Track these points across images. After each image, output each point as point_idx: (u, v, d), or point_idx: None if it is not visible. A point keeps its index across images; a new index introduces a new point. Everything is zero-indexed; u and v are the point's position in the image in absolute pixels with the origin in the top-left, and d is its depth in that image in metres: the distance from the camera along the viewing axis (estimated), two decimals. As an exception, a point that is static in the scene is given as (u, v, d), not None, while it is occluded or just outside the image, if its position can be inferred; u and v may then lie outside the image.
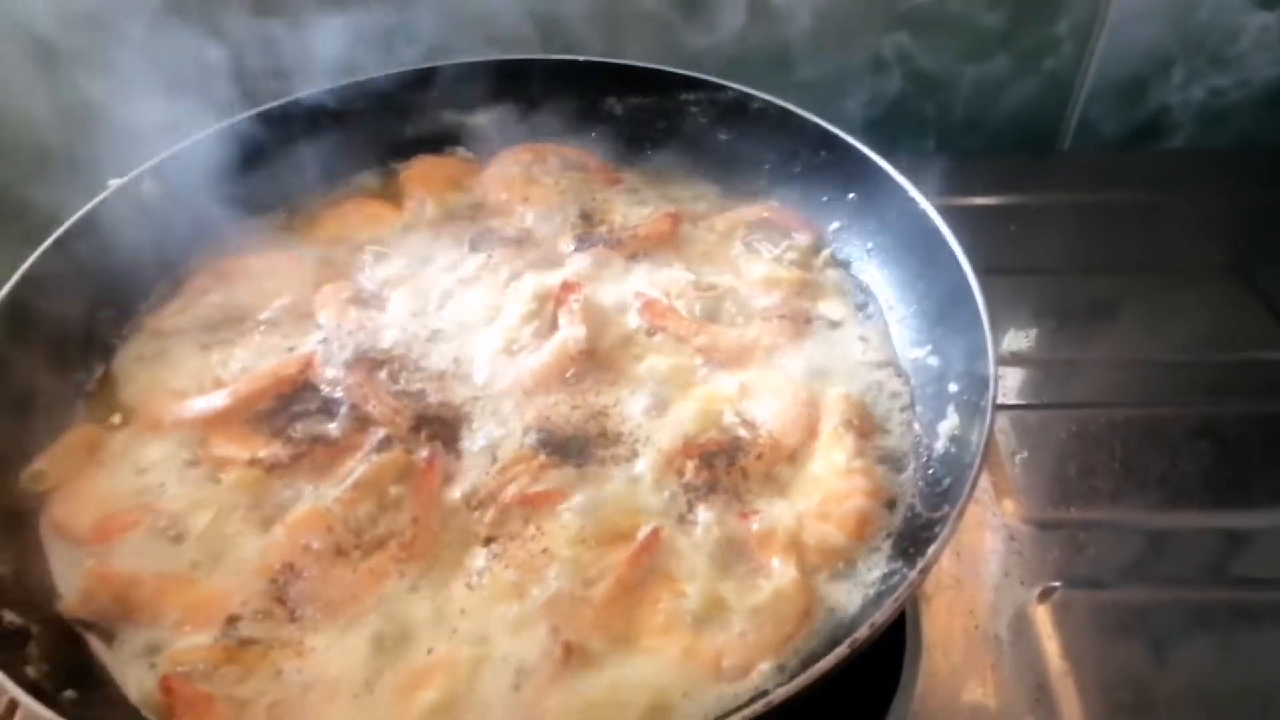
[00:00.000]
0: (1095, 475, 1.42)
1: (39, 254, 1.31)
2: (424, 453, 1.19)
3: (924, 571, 0.94)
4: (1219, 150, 2.04)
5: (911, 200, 1.33)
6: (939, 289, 1.29)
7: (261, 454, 1.20)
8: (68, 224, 1.35)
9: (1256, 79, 1.98)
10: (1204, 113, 2.04)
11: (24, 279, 1.28)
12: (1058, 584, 1.29)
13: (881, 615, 0.90)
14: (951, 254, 1.25)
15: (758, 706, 0.86)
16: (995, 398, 1.08)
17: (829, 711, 1.09)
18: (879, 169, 1.37)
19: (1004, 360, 1.57)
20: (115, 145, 1.57)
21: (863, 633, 0.90)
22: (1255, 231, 1.79)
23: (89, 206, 1.38)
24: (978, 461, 1.03)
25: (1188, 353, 1.61)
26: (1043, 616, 1.26)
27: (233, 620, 1.08)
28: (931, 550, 0.96)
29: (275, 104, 1.55)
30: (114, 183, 1.41)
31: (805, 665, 1.02)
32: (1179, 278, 1.76)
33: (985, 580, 1.29)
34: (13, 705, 1.25)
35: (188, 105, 1.86)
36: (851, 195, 1.46)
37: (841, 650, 0.88)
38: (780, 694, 0.86)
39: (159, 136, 1.49)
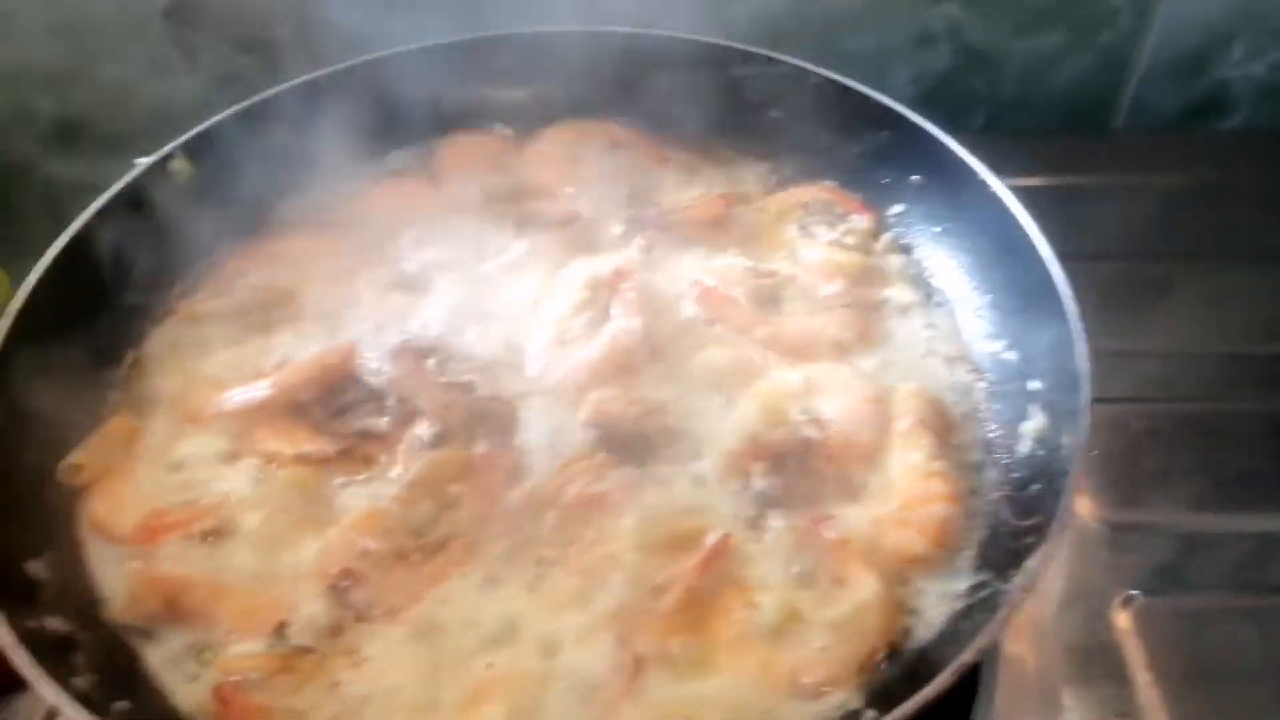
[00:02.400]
0: (1170, 474, 1.36)
1: (66, 238, 1.24)
2: (481, 449, 1.12)
3: (1027, 588, 0.89)
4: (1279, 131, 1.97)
5: (985, 184, 1.27)
6: (1017, 279, 1.23)
7: (308, 449, 1.15)
8: (94, 206, 1.28)
9: (1322, 55, 1.91)
10: (1264, 90, 1.96)
11: (52, 262, 1.22)
12: (1138, 590, 1.23)
13: (984, 638, 0.85)
14: (1030, 243, 1.18)
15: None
16: (1090, 398, 1.02)
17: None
18: (949, 151, 1.31)
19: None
20: (143, 122, 1.51)
21: (968, 656, 0.84)
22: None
23: (116, 186, 1.31)
24: (1073, 468, 0.97)
25: (1253, 344, 1.55)
26: (1124, 625, 1.21)
27: (285, 626, 1.03)
28: (1034, 561, 0.91)
29: (305, 78, 1.48)
30: (141, 161, 1.34)
31: (890, 683, 0.98)
32: (1237, 263, 1.69)
33: (1061, 588, 1.24)
34: (52, 715, 1.21)
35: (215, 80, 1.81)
36: (916, 177, 1.39)
37: (945, 678, 0.83)
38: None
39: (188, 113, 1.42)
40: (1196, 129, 2.01)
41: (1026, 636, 1.21)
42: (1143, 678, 1.17)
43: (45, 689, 0.88)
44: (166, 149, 1.35)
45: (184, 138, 1.37)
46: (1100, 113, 2.04)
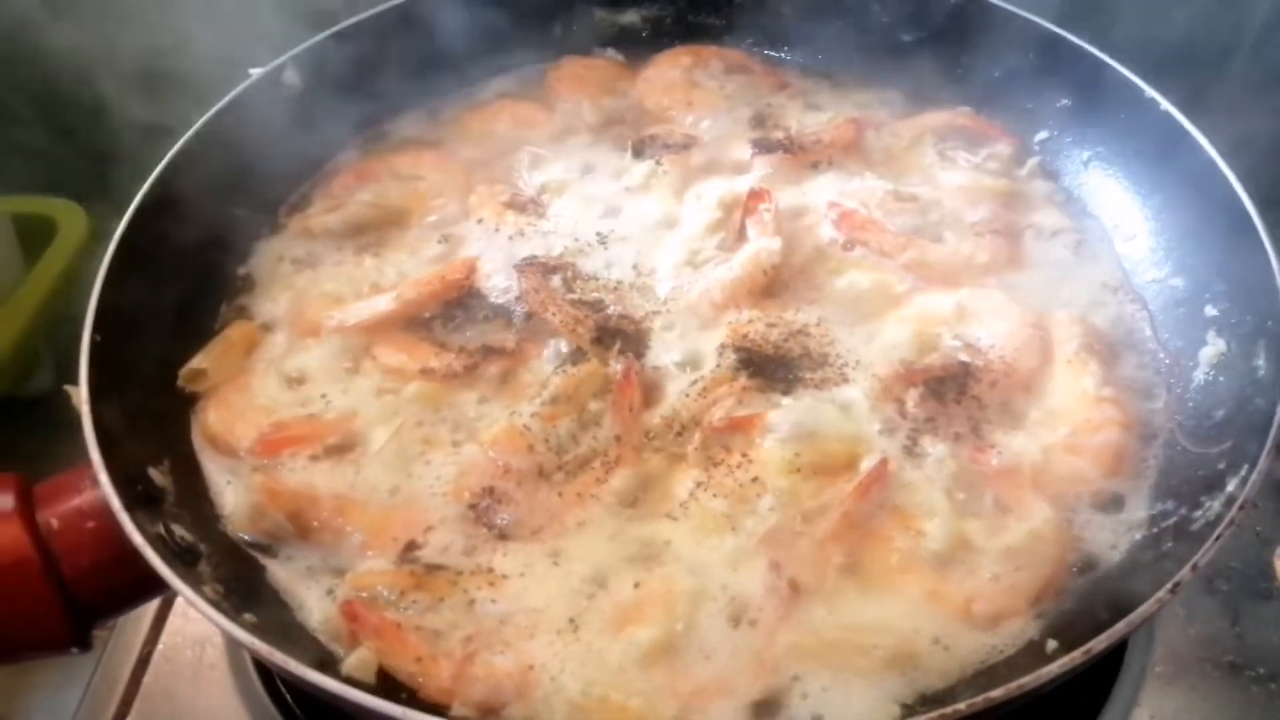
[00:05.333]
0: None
1: (178, 147, 1.20)
2: (618, 366, 1.06)
3: (1242, 507, 0.81)
4: None
5: (1145, 99, 1.19)
6: (1184, 201, 1.16)
7: (433, 364, 1.09)
8: (206, 115, 1.24)
9: None
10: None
11: (164, 172, 1.17)
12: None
13: (1204, 555, 0.78)
14: (1205, 158, 1.11)
15: (1069, 661, 0.74)
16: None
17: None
18: (1110, 72, 1.23)
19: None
20: (256, 35, 1.45)
21: (1185, 574, 0.77)
22: None
23: (229, 96, 1.26)
24: (1283, 386, 0.89)
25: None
26: (1287, 571, 1.13)
27: (417, 545, 0.98)
28: (1249, 483, 0.83)
29: (418, -3, 1.42)
30: (255, 72, 1.29)
31: (1068, 614, 0.91)
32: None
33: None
34: (160, 619, 1.18)
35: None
36: (1065, 101, 1.31)
37: (1162, 595, 0.76)
38: (1100, 642, 0.74)
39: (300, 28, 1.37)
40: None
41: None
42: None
43: (184, 593, 0.83)
44: (280, 60, 1.30)
45: (297, 49, 1.32)
46: (1216, 63, 1.93)
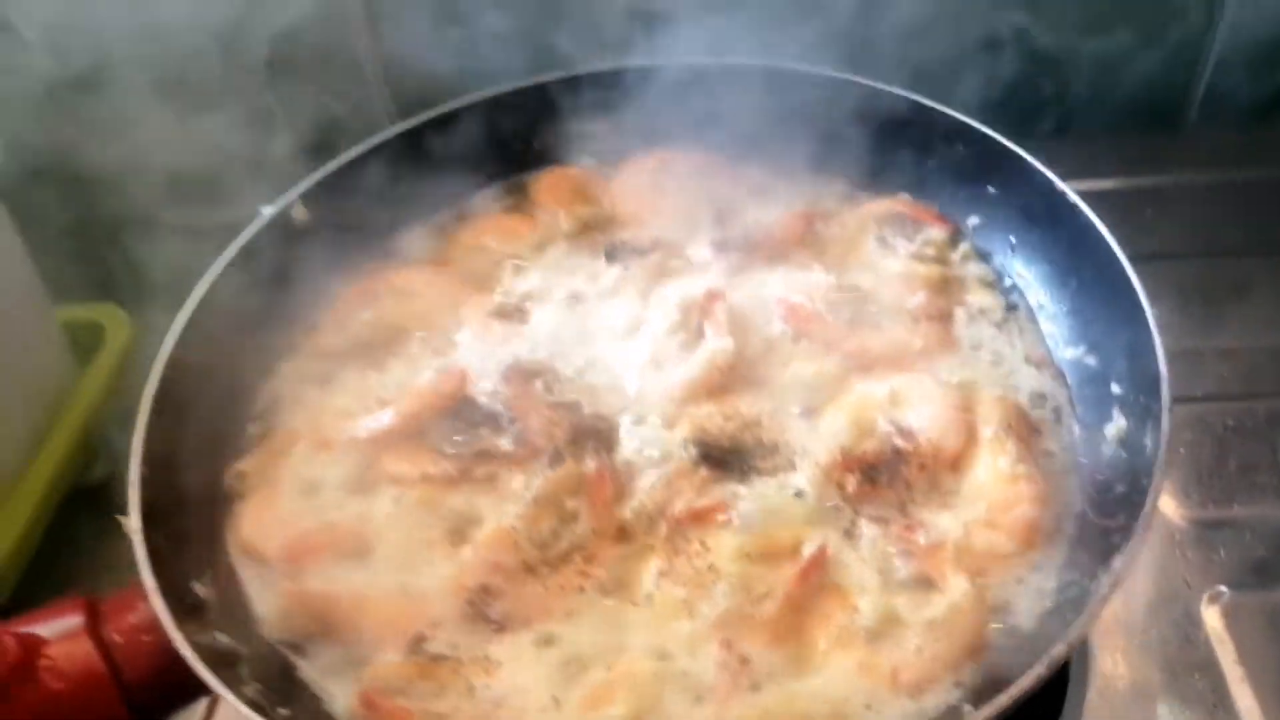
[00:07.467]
0: (1258, 470, 1.38)
1: (204, 287, 1.34)
2: (592, 464, 1.21)
3: (1113, 586, 0.94)
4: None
5: (1056, 190, 1.32)
6: (1092, 284, 1.27)
7: (432, 470, 1.25)
8: (224, 256, 1.39)
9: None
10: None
11: (195, 310, 1.33)
12: (1227, 586, 1.27)
13: (1073, 632, 0.91)
14: (1105, 246, 1.23)
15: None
16: (1169, 397, 1.07)
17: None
18: (1019, 160, 1.36)
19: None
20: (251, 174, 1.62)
21: (1059, 650, 0.90)
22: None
23: (243, 237, 1.42)
24: (1158, 469, 1.02)
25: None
26: (1214, 621, 1.24)
27: (423, 638, 1.13)
28: (1119, 561, 0.95)
29: (410, 124, 1.58)
30: (266, 210, 1.46)
31: (986, 680, 1.04)
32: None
33: (1148, 584, 1.28)
34: (210, 713, 1.33)
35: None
36: (991, 189, 1.44)
37: (1032, 675, 0.89)
38: (983, 714, 0.87)
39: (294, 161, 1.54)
40: (1273, 122, 2.00)
41: (1116, 636, 1.25)
42: (1234, 673, 1.20)
43: (224, 695, 0.99)
44: (288, 198, 1.46)
45: (303, 186, 1.48)
46: (1173, 110, 2.04)
